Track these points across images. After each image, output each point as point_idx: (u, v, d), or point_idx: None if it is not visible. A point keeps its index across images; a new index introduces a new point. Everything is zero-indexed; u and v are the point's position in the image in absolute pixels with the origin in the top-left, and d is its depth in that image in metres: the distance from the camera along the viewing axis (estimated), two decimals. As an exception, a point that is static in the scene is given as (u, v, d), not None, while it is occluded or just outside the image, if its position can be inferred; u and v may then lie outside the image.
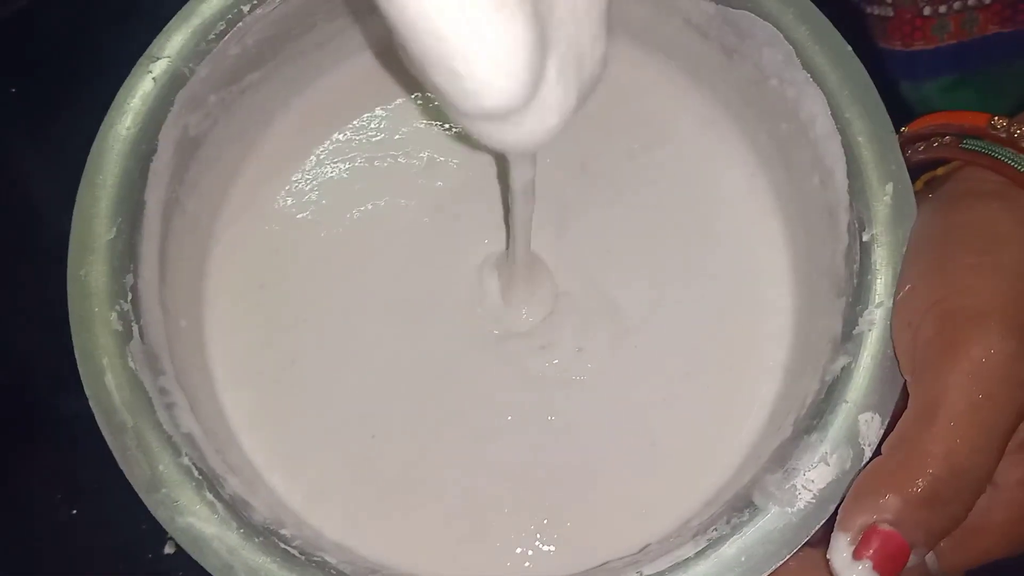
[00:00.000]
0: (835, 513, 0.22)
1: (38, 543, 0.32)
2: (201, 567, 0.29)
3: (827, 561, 0.20)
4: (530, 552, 0.26)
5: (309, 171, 0.31)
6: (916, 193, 0.25)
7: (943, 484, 0.20)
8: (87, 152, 0.26)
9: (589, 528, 0.26)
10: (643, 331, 0.28)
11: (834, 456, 0.23)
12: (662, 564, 0.22)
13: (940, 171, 0.26)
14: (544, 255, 0.29)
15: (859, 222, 0.25)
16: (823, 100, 0.26)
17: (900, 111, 0.26)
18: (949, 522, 0.20)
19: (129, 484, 0.24)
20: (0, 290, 0.34)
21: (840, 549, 0.20)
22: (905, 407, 0.22)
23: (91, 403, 0.24)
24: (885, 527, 0.20)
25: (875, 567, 0.20)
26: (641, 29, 0.31)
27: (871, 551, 0.20)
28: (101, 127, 0.27)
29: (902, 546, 0.20)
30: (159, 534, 0.30)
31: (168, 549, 0.31)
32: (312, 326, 0.30)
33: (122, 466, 0.24)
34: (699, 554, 0.22)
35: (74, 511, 0.32)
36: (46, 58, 0.38)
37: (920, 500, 0.20)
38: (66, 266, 0.25)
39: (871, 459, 0.22)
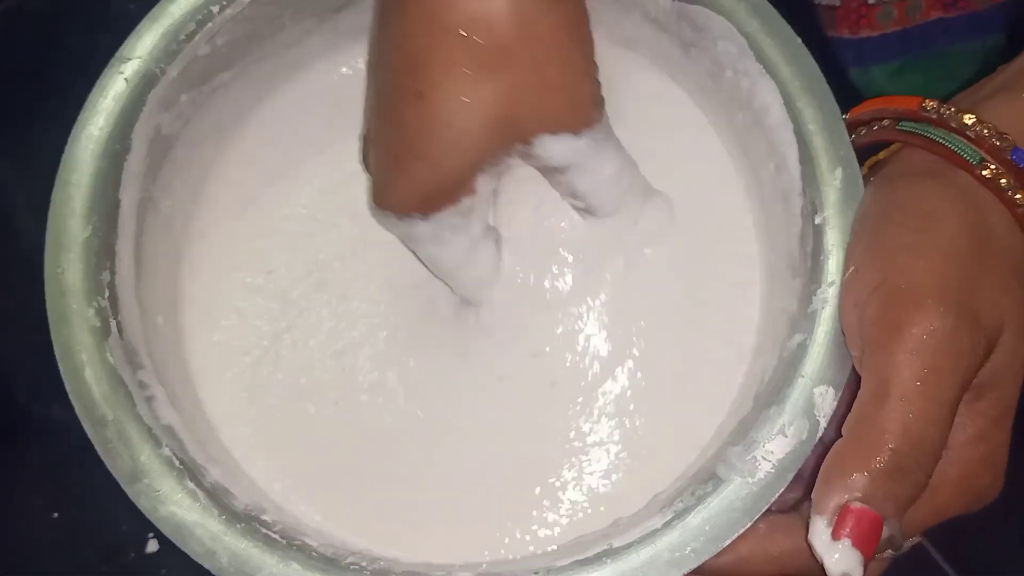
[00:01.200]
0: (793, 480, 0.23)
1: (21, 546, 0.32)
2: (184, 564, 0.30)
3: (809, 547, 0.22)
4: (504, 532, 0.27)
5: (281, 170, 0.32)
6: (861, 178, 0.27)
7: (903, 456, 0.21)
8: (57, 160, 0.27)
9: (559, 507, 0.27)
10: (615, 316, 0.29)
11: (791, 428, 0.24)
12: (631, 536, 0.23)
13: (882, 155, 0.27)
14: (519, 242, 0.30)
15: (811, 206, 0.26)
16: (776, 90, 0.27)
17: (849, 97, 0.28)
18: (914, 490, 0.22)
19: (110, 486, 0.24)
20: None
21: (819, 532, 0.21)
22: (857, 389, 0.23)
23: (71, 397, 0.25)
24: (856, 504, 0.21)
25: (854, 543, 0.21)
26: (604, 22, 0.32)
27: (847, 529, 0.21)
28: (74, 127, 0.27)
29: (875, 520, 0.21)
30: (141, 534, 0.31)
31: (151, 548, 0.31)
32: (287, 321, 0.30)
33: (104, 458, 0.24)
34: (666, 525, 0.23)
35: (56, 514, 0.32)
36: (16, 67, 0.38)
37: (884, 474, 0.21)
38: (39, 275, 0.26)
39: (834, 440, 0.23)
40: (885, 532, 0.21)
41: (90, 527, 0.31)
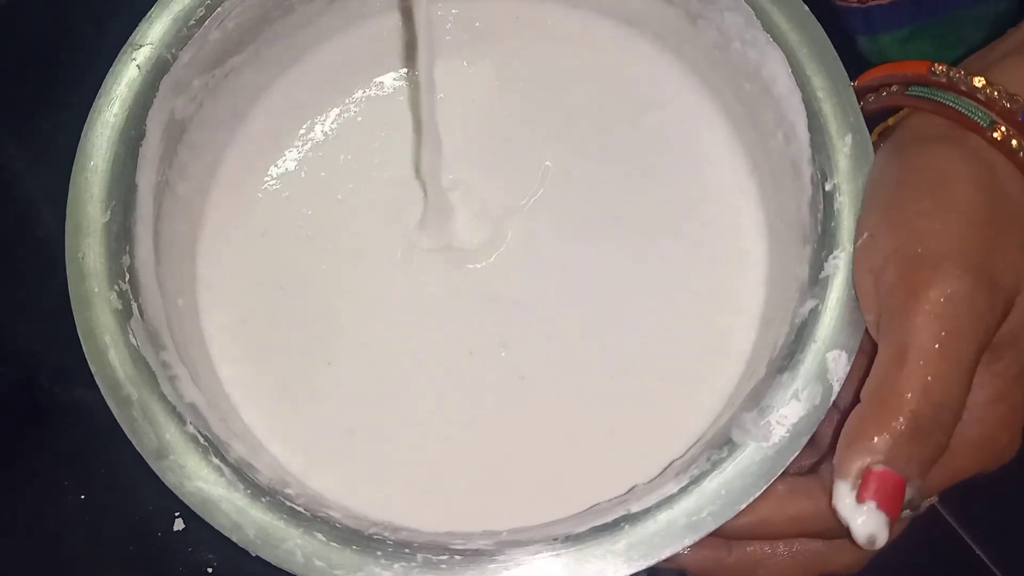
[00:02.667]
0: (808, 443, 0.24)
1: (49, 527, 0.33)
2: (210, 542, 0.30)
3: (834, 511, 0.22)
4: (522, 500, 0.27)
5: (293, 152, 0.32)
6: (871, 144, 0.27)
7: (924, 418, 0.21)
8: (72, 149, 0.27)
9: (577, 475, 0.28)
10: (626, 285, 0.30)
11: (805, 392, 0.24)
12: (648, 502, 0.24)
13: (891, 121, 0.27)
14: (529, 211, 0.30)
15: (821, 173, 0.26)
16: (783, 59, 0.27)
17: (858, 65, 0.28)
18: (936, 450, 0.22)
19: (136, 466, 0.24)
20: (1, 287, 0.35)
21: (843, 495, 0.22)
22: (871, 354, 0.23)
23: (96, 378, 0.25)
24: (879, 467, 0.21)
25: (879, 506, 0.21)
26: (610, 2, 0.32)
27: (871, 492, 0.21)
28: (89, 114, 0.28)
29: (898, 482, 0.21)
30: (168, 512, 0.32)
31: (177, 526, 0.32)
32: (301, 303, 0.31)
33: (130, 436, 0.25)
34: (682, 490, 0.24)
35: (83, 495, 0.32)
36: (26, 55, 0.38)
37: (906, 436, 0.21)
38: (61, 261, 0.26)
39: (851, 406, 0.23)
40: (908, 493, 0.22)
41: (117, 507, 0.32)
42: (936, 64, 0.25)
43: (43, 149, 0.37)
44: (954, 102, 0.24)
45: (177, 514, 0.32)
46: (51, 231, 0.27)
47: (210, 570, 0.31)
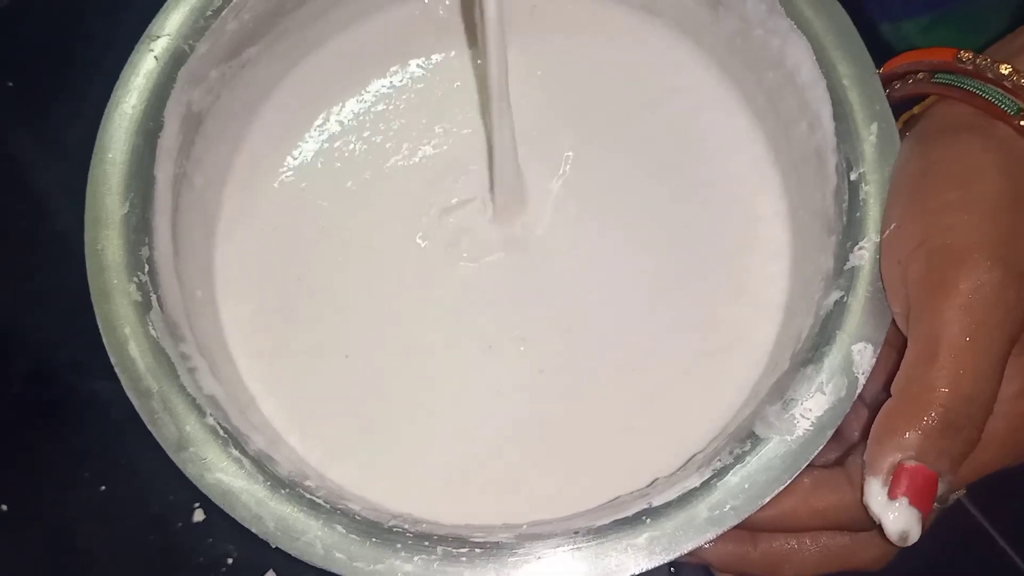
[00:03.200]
0: (833, 436, 0.23)
1: (69, 520, 0.33)
2: (230, 533, 0.30)
3: (865, 508, 0.22)
4: (543, 493, 0.27)
5: (308, 143, 0.32)
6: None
7: (955, 413, 0.21)
8: (88, 141, 0.27)
9: (597, 469, 0.27)
10: (646, 276, 0.29)
11: (830, 385, 0.24)
12: (670, 495, 0.24)
13: (916, 109, 0.26)
14: (549, 202, 0.30)
15: (846, 162, 0.26)
16: (807, 47, 0.27)
17: (881, 52, 0.27)
18: (967, 446, 0.21)
19: (155, 457, 0.25)
20: (16, 281, 0.35)
21: (875, 493, 0.21)
22: (899, 347, 0.23)
23: (117, 370, 0.25)
24: (911, 463, 0.21)
25: (911, 502, 0.21)
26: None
27: (903, 487, 0.21)
28: (107, 106, 0.27)
29: (930, 477, 0.21)
30: (188, 504, 0.32)
31: (197, 517, 0.32)
32: (318, 295, 0.30)
33: (151, 428, 0.25)
34: (705, 484, 0.24)
35: (103, 487, 0.32)
36: (41, 51, 0.39)
37: (937, 431, 0.21)
38: (77, 254, 0.26)
39: (880, 401, 0.23)
40: (940, 488, 0.21)
41: (137, 498, 0.32)
42: (962, 51, 0.24)
43: (59, 141, 0.37)
44: (981, 90, 0.24)
45: (197, 505, 0.32)
46: (68, 223, 0.27)
47: (230, 560, 0.31)
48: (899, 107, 0.27)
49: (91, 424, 0.34)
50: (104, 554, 0.32)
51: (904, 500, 0.21)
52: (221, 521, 0.24)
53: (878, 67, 0.27)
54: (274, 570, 0.31)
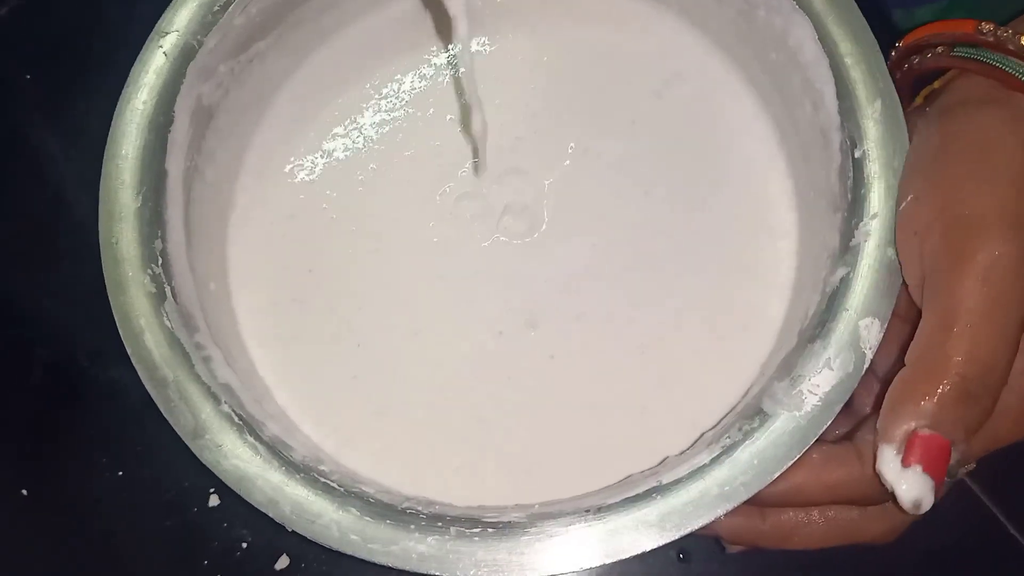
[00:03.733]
0: (842, 411, 0.23)
1: (87, 504, 0.33)
2: (244, 517, 0.31)
3: (878, 476, 0.22)
4: (554, 473, 0.27)
5: (317, 135, 0.33)
6: (916, 107, 0.26)
7: (971, 382, 0.21)
8: (105, 133, 0.28)
9: (608, 449, 0.28)
10: (654, 259, 0.29)
11: (837, 361, 0.24)
12: (680, 472, 0.24)
13: (937, 84, 0.26)
14: (559, 183, 0.30)
15: (850, 140, 0.26)
16: (809, 26, 0.27)
17: (894, 39, 0.27)
18: (982, 415, 0.21)
19: (171, 444, 0.25)
20: (35, 270, 0.36)
21: (888, 460, 0.21)
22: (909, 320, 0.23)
23: (133, 361, 0.26)
24: (925, 431, 0.21)
25: (924, 469, 0.21)
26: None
27: (917, 456, 0.21)
28: (119, 102, 0.28)
29: (944, 445, 0.21)
30: (203, 489, 0.32)
31: (212, 502, 0.32)
32: (329, 285, 0.31)
33: (167, 417, 0.25)
34: (714, 460, 0.24)
35: (120, 472, 0.33)
36: (58, 40, 0.39)
37: (952, 399, 0.21)
38: (95, 244, 0.27)
39: (891, 372, 0.23)
40: (953, 457, 0.21)
41: (153, 483, 0.33)
42: (983, 23, 0.24)
43: (75, 131, 0.37)
44: (1001, 62, 0.23)
45: (212, 490, 0.32)
46: (85, 214, 0.28)
47: (244, 545, 0.32)
48: (919, 82, 0.26)
49: (109, 411, 0.34)
50: (121, 539, 0.33)
51: (918, 468, 0.21)
52: (236, 506, 0.25)
53: (887, 51, 0.27)
54: (287, 554, 0.31)
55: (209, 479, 0.25)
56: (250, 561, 0.31)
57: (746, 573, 0.31)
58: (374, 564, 0.23)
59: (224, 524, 0.32)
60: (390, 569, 0.23)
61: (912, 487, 0.21)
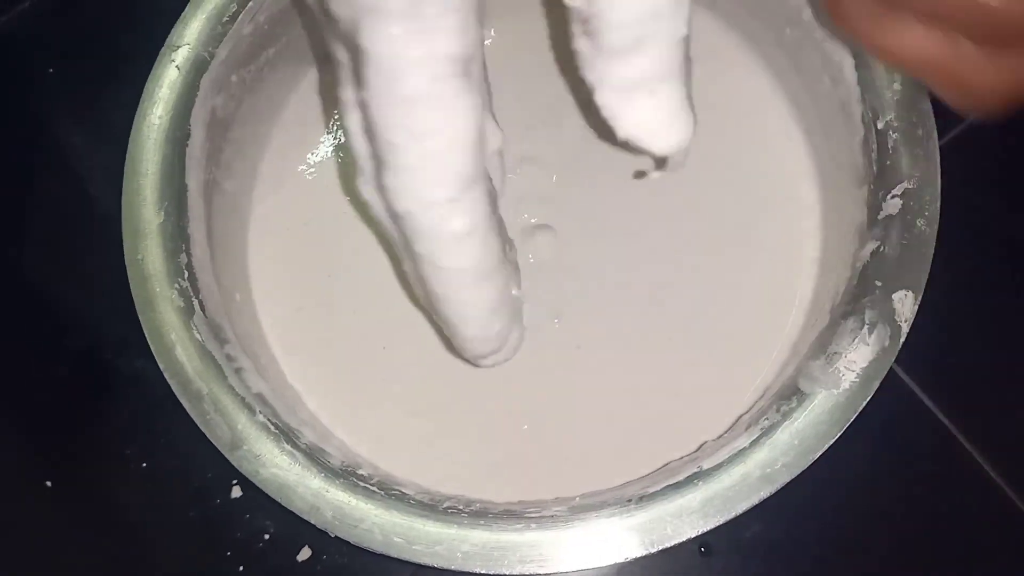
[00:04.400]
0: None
1: (113, 495, 0.33)
2: (267, 508, 0.31)
3: None
4: (593, 464, 0.27)
5: (328, 138, 0.32)
6: None
7: None
8: (128, 124, 0.28)
9: (645, 437, 0.28)
10: (678, 243, 0.29)
11: (873, 336, 0.24)
12: (720, 457, 0.24)
13: None
14: (574, 170, 0.30)
15: (872, 112, 0.26)
16: (824, -1, 0.27)
17: None
18: None
19: (194, 436, 0.25)
20: (64, 261, 0.36)
21: None
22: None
23: (166, 376, 0.26)
24: None
25: None
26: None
27: None
28: (135, 118, 0.28)
29: None
30: (226, 480, 0.32)
31: (235, 493, 0.32)
32: (350, 289, 0.31)
33: (204, 430, 0.25)
34: (754, 443, 0.24)
35: (144, 464, 0.33)
36: (84, 33, 0.39)
37: None
38: (119, 237, 0.27)
39: None
40: None
41: (177, 475, 0.32)
42: None
43: (100, 124, 0.37)
44: None
45: (235, 482, 0.32)
46: (110, 206, 0.28)
47: (267, 536, 0.32)
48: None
49: (134, 402, 0.34)
50: (145, 530, 0.33)
51: None
52: (258, 497, 0.25)
53: None
54: (309, 546, 0.31)
55: (232, 471, 0.25)
56: (272, 552, 0.32)
57: (766, 566, 0.31)
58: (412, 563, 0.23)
59: (247, 515, 0.32)
60: (409, 563, 0.23)
61: None
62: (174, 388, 0.26)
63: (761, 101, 0.31)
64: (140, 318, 0.26)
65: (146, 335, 0.26)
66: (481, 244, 0.22)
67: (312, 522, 0.24)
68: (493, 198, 0.22)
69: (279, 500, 0.25)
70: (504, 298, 0.24)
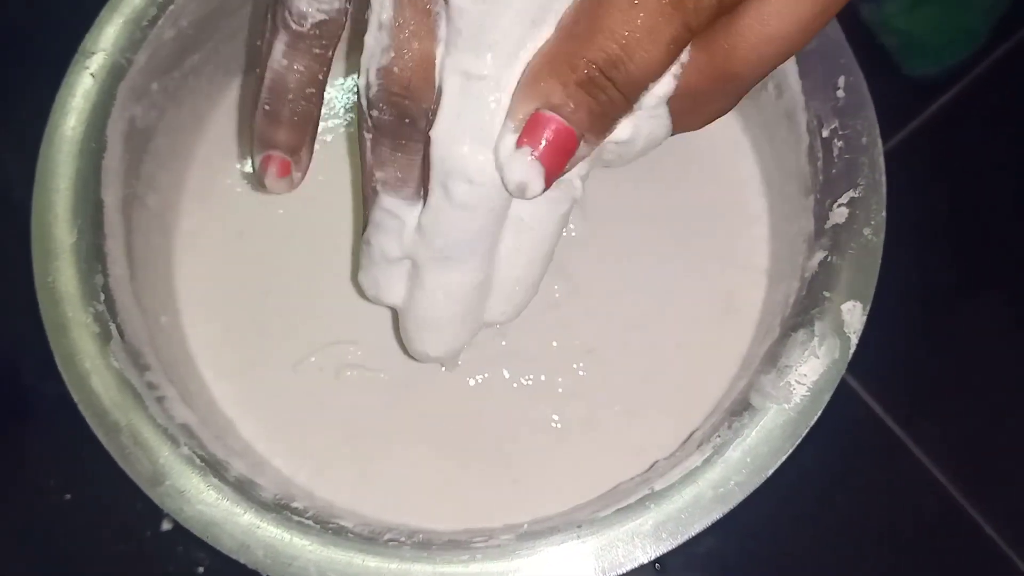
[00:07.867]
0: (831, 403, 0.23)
1: (34, 530, 0.31)
2: (199, 540, 0.29)
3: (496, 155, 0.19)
4: (542, 489, 0.26)
5: (264, 153, 0.31)
6: None
7: (609, 65, 0.18)
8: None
9: (596, 456, 0.27)
10: (633, 252, 0.29)
11: (823, 348, 0.23)
12: (672, 477, 0.23)
13: None
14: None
15: (817, 119, 0.25)
16: (767, 5, 0.26)
17: (860, 34, 0.27)
18: (613, 107, 0.19)
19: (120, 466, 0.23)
20: None
21: (505, 141, 0.19)
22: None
23: (80, 407, 0.24)
24: (547, 113, 0.18)
25: (539, 156, 0.19)
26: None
27: (533, 138, 0.19)
28: (46, 130, 0.26)
29: (565, 132, 0.19)
30: (156, 512, 0.30)
31: (166, 526, 0.31)
32: (286, 307, 0.29)
33: (122, 465, 0.24)
34: (706, 462, 0.23)
35: (68, 495, 0.31)
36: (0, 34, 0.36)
37: (577, 83, 0.18)
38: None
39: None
40: (583, 152, 0.19)
41: (103, 507, 0.31)
42: None
43: (19, 130, 0.34)
44: None
45: (166, 514, 0.31)
46: (28, 221, 0.26)
47: (201, 569, 0.30)
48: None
49: (55, 428, 0.32)
50: (71, 565, 0.31)
51: (528, 150, 0.19)
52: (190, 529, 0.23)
53: (856, 50, 0.26)
54: None
55: (161, 502, 0.23)
56: (207, 586, 0.30)
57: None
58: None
59: (179, 548, 0.30)
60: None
61: (517, 170, 0.19)
62: (88, 420, 0.24)
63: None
64: (51, 345, 0.24)
65: (58, 363, 0.24)
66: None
67: (242, 561, 0.23)
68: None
69: (206, 539, 0.23)
70: (480, 310, 0.23)
